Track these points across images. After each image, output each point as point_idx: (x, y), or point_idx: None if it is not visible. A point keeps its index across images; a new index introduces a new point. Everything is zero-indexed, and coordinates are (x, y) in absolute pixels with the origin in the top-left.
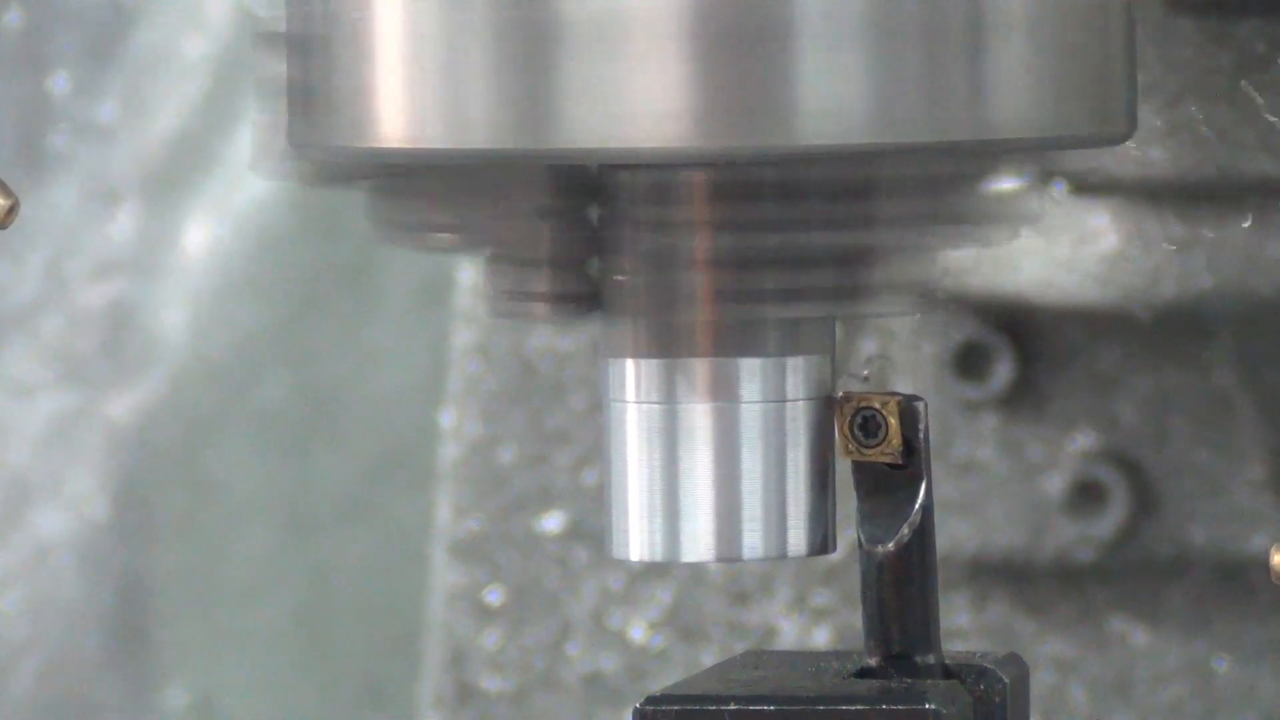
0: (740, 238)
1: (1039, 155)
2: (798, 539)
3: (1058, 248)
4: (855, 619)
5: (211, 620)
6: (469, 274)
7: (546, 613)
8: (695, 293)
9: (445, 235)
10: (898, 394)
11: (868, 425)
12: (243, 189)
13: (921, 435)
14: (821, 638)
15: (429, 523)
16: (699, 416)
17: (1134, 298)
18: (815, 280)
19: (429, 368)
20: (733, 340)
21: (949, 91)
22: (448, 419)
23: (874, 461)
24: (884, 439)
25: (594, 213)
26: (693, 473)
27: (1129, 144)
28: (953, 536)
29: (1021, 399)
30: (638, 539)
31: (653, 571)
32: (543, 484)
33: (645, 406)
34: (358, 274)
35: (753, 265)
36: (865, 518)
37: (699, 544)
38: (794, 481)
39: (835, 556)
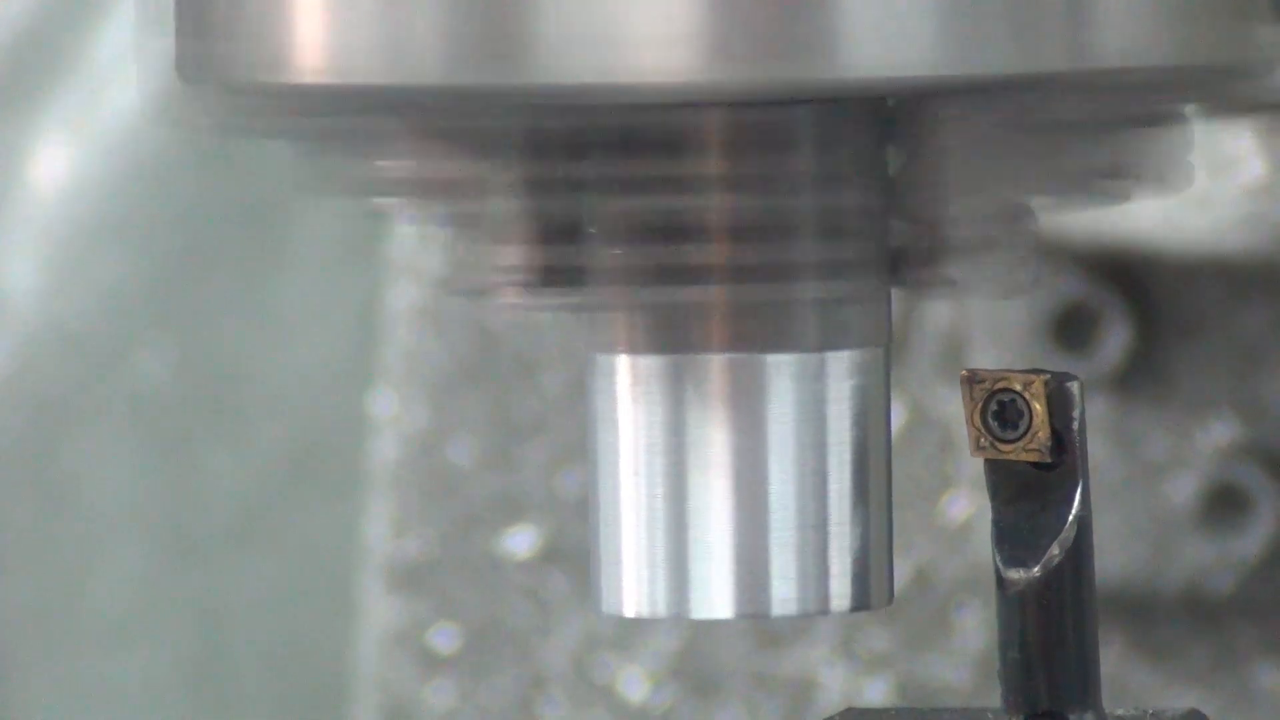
0: (767, 198)
1: (1156, 92)
2: (843, 589)
3: None
4: (918, 669)
5: (72, 667)
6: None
7: (513, 661)
8: (709, 269)
9: (386, 195)
10: (1044, 371)
11: (1006, 413)
12: (107, 102)
13: (1076, 426)
14: (875, 694)
15: (355, 542)
16: (715, 428)
17: None
18: (864, 252)
19: (355, 338)
20: (758, 330)
21: (1040, 8)
22: (381, 405)
23: (1014, 460)
24: (1027, 431)
25: (579, 167)
26: (706, 503)
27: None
28: None
29: (1139, 378)
30: (634, 589)
31: None
32: (508, 491)
33: (645, 415)
34: (260, 214)
35: (783, 233)
36: (1003, 534)
37: (714, 596)
38: (838, 513)
39: (895, 587)
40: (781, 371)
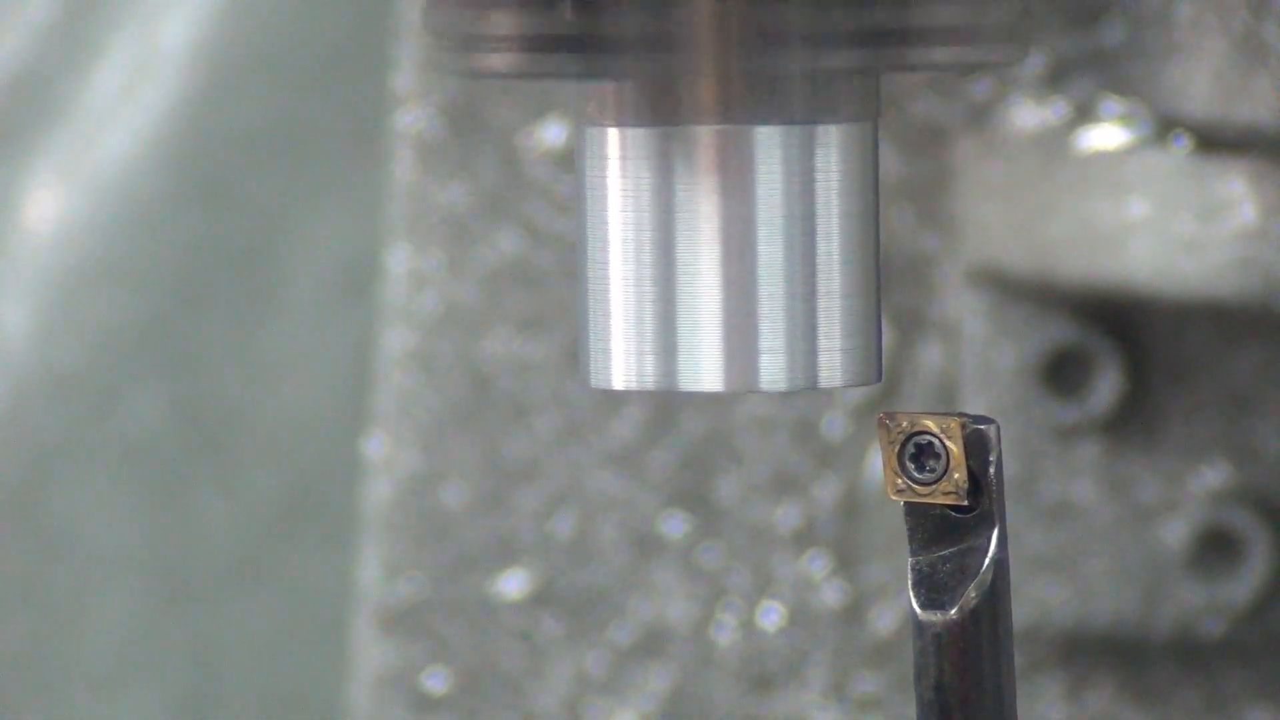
0: None
1: None
2: (832, 365)
3: (1178, 223)
4: (910, 712)
5: (64, 711)
6: (400, 258)
7: (506, 703)
8: (699, 40)
9: None
10: (962, 414)
11: (922, 456)
12: (100, 146)
13: (992, 469)
14: None
15: (348, 585)
16: (703, 200)
17: (1278, 288)
18: (855, 21)
19: (347, 381)
20: (748, 101)
21: None
22: (374, 449)
23: (931, 503)
24: (943, 474)
25: None
26: (695, 275)
27: (1270, 87)
28: (1042, 602)
29: (1131, 422)
30: (623, 362)
31: (645, 649)
32: (500, 534)
33: (634, 187)
34: (253, 257)
35: (773, 3)
36: (921, 577)
37: (702, 369)
38: (828, 286)
39: (887, 630)
40: (770, 143)
